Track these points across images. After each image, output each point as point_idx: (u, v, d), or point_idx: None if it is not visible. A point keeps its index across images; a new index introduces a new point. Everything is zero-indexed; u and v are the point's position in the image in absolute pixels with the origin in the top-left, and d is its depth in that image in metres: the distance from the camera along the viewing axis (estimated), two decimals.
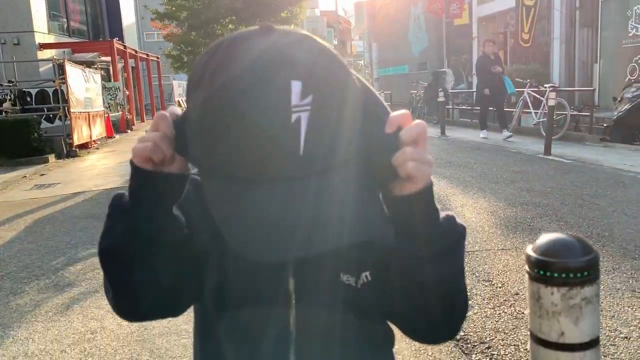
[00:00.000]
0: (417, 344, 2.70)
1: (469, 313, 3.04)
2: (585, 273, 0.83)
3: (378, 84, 23.68)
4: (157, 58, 27.35)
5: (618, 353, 2.52)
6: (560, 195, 5.60)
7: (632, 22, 12.68)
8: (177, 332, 2.98)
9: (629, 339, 2.63)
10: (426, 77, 19.16)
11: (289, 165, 0.58)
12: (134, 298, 0.77)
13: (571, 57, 14.72)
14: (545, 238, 0.90)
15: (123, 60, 21.20)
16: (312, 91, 0.58)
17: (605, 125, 10.34)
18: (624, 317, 2.85)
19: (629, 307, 2.98)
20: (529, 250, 0.90)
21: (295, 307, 0.76)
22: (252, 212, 0.59)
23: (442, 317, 0.75)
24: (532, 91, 11.82)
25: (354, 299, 0.76)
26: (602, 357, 2.48)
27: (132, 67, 23.10)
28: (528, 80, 12.31)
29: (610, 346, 2.57)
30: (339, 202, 0.59)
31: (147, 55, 25.47)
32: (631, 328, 2.73)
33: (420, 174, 0.65)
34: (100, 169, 9.91)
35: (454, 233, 0.72)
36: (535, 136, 10.82)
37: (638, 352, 2.52)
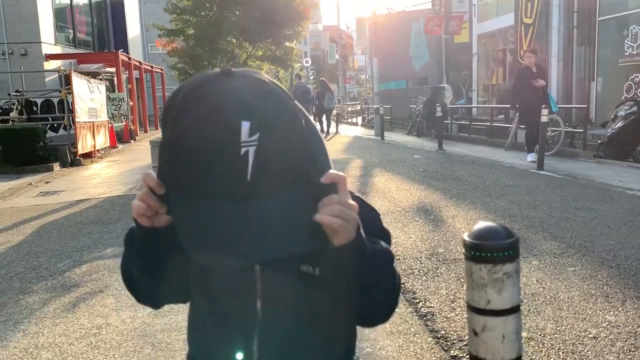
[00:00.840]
0: (400, 340, 2.90)
1: (451, 314, 3.24)
2: (506, 253, 1.04)
3: (379, 98, 23.97)
4: (162, 70, 27.73)
5: (585, 351, 2.71)
6: (548, 208, 5.80)
7: (628, 41, 12.94)
8: (178, 328, 3.18)
9: (597, 338, 2.83)
10: (426, 92, 19.45)
11: (239, 189, 0.72)
12: (152, 300, 1.07)
13: (569, 74, 14.98)
14: (478, 226, 1.11)
15: (127, 72, 21.56)
16: (259, 129, 0.71)
17: (599, 142, 10.56)
18: (595, 320, 3.05)
19: (600, 310, 3.17)
20: (465, 236, 1.11)
21: (261, 296, 0.92)
22: (205, 226, 0.74)
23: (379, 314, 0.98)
24: None
25: (314, 284, 0.90)
26: (570, 354, 2.68)
27: (136, 78, 23.45)
28: None
29: (578, 345, 2.77)
30: (281, 220, 0.74)
31: (152, 67, 25.86)
32: (600, 329, 2.93)
33: (341, 229, 0.77)
34: (103, 177, 10.14)
35: (382, 267, 0.90)
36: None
37: (604, 350, 2.71)
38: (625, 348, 2.72)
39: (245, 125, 0.71)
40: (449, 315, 3.22)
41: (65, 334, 3.22)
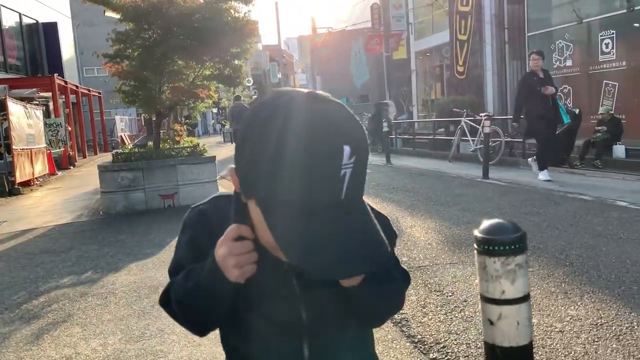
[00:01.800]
0: (380, 347, 2.96)
1: (424, 319, 3.34)
2: (517, 245, 1.14)
3: None
4: (99, 93, 27.01)
5: (554, 344, 2.87)
6: (499, 214, 6.07)
7: (555, 54, 13.79)
8: (153, 352, 3.12)
9: (563, 332, 3.00)
10: (369, 109, 19.89)
11: (335, 205, 0.77)
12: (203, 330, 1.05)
13: (503, 87, 15.75)
14: (486, 223, 1.20)
15: (64, 96, 20.87)
16: (355, 153, 0.77)
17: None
18: (558, 315, 3.23)
19: (562, 306, 3.36)
20: (476, 232, 1.20)
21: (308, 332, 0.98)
22: (310, 238, 0.77)
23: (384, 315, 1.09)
24: (469, 120, 12.59)
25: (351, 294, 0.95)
26: (541, 348, 2.82)
27: (73, 102, 22.72)
28: (465, 110, 13.09)
29: (547, 339, 2.93)
30: (372, 233, 0.82)
31: (89, 90, 25.13)
32: (564, 323, 3.11)
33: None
34: (47, 205, 9.74)
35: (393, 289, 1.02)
36: (473, 162, 11.50)
37: (570, 342, 2.88)
38: (590, 339, 2.90)
39: (347, 149, 0.77)
40: (422, 320, 3.32)
41: None
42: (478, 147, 11.76)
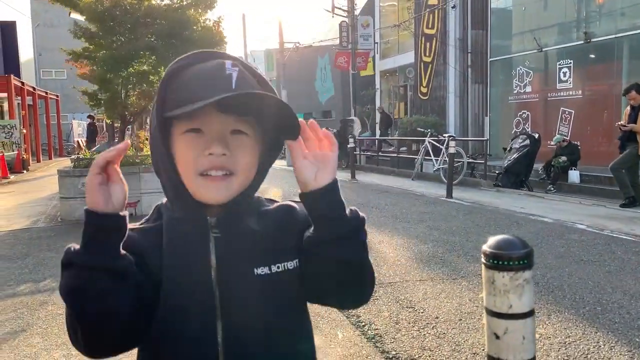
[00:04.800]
0: (349, 357, 2.95)
1: (398, 335, 3.35)
2: (525, 261, 1.16)
3: None
4: (57, 96, 26.26)
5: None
6: (464, 233, 6.19)
7: (515, 80, 14.28)
8: None
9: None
10: (332, 124, 20.05)
11: (226, 91, 0.89)
12: (100, 330, 0.88)
13: (465, 109, 16.17)
14: (494, 239, 1.22)
15: (20, 97, 20.19)
16: (236, 65, 0.94)
17: (497, 172, 11.45)
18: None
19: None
20: (485, 247, 1.21)
21: (221, 316, 0.92)
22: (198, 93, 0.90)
23: (359, 286, 0.97)
24: (433, 140, 12.83)
25: (269, 283, 0.93)
26: None
27: (28, 104, 21.99)
28: (429, 130, 13.33)
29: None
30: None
31: (46, 93, 24.42)
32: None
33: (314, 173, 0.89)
34: (0, 210, 9.34)
35: (357, 219, 0.93)
36: (436, 181, 11.70)
37: None
38: (560, 357, 2.97)
39: (229, 63, 0.93)
40: (395, 336, 3.33)
41: None
42: (441, 167, 11.99)
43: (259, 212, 0.99)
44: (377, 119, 18.10)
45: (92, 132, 21.87)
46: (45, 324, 3.71)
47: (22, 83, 20.14)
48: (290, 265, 0.95)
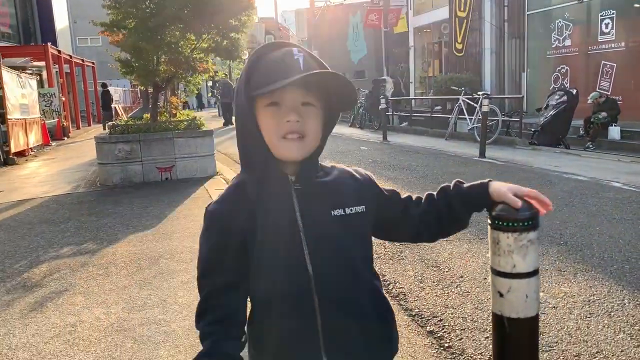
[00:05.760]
0: None
1: (422, 293, 3.41)
2: (529, 222, 1.18)
3: None
4: (93, 63, 26.69)
5: (548, 319, 2.95)
6: None
7: (554, 34, 13.74)
8: (156, 321, 3.18)
9: (556, 308, 3.08)
10: (365, 85, 19.80)
11: (297, 73, 1.08)
12: None
13: (501, 66, 15.71)
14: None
15: (57, 66, 20.62)
16: (302, 52, 1.13)
17: (533, 130, 11.19)
18: (552, 292, 3.31)
19: (556, 283, 3.45)
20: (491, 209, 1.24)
21: (307, 248, 1.13)
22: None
23: (449, 234, 1.42)
24: (467, 99, 12.57)
25: (344, 222, 1.15)
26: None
27: (66, 72, 22.45)
28: (463, 88, 13.05)
29: (541, 314, 3.00)
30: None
31: (83, 60, 24.83)
32: (558, 299, 3.19)
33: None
34: (43, 176, 9.72)
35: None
36: (469, 141, 11.53)
37: (563, 317, 2.96)
38: (582, 314, 2.99)
39: (295, 50, 1.13)
40: (419, 295, 3.39)
41: (39, 333, 3.14)
42: (475, 125, 11.79)
43: (325, 170, 1.21)
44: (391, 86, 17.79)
45: (105, 101, 22.20)
46: (87, 283, 3.92)
47: (59, 51, 20.52)
48: (360, 209, 1.18)
